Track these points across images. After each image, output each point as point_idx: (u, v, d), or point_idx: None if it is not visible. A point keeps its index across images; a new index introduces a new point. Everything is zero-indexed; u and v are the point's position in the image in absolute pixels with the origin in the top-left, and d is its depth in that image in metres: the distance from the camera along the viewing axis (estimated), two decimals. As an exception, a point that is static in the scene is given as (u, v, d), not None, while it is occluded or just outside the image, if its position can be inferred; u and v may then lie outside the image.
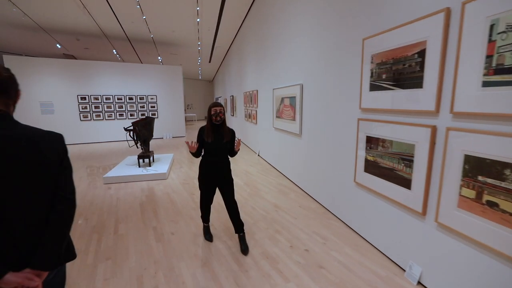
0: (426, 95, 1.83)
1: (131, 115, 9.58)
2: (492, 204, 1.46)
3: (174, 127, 10.24)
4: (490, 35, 1.42)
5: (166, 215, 3.24)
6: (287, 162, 4.71)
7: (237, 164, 5.92)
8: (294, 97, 4.21)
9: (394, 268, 2.18)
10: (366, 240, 2.58)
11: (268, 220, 3.09)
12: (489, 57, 1.43)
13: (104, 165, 5.91)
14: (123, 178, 4.62)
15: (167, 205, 3.56)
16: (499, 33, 1.38)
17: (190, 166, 5.80)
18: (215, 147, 2.38)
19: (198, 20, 7.39)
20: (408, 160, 2.02)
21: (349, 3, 2.63)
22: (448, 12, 1.64)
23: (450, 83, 1.67)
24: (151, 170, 4.93)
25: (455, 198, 1.66)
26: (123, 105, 9.45)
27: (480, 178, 1.51)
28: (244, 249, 2.41)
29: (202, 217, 2.73)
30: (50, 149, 0.98)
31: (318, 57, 3.37)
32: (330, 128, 3.17)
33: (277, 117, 5.17)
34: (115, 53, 10.43)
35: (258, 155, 6.89)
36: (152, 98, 9.76)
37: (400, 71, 2.04)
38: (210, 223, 2.92)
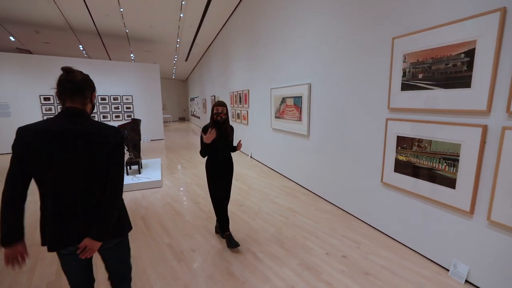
0: (476, 95, 1.83)
1: (104, 117, 8.71)
2: (559, 202, 1.49)
3: (152, 129, 9.56)
4: (558, 35, 1.44)
5: (176, 229, 2.91)
6: (290, 163, 4.60)
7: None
8: (300, 97, 4.12)
9: (436, 267, 2.18)
10: (397, 241, 2.57)
11: (290, 226, 2.94)
12: (556, 57, 1.45)
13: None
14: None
15: (173, 217, 3.22)
16: None
17: (183, 172, 5.40)
18: (221, 145, 2.42)
19: (181, 15, 6.95)
20: (451, 159, 2.02)
21: (374, 2, 2.59)
22: (504, 11, 1.65)
23: (505, 83, 1.68)
24: (143, 178, 4.47)
25: (511, 197, 1.68)
26: (95, 107, 8.54)
27: (544, 176, 1.53)
28: (234, 244, 2.44)
29: (219, 225, 2.56)
30: (105, 141, 1.17)
31: (330, 56, 3.31)
32: (348, 129, 3.13)
33: (276, 117, 5.04)
34: (81, 48, 9.43)
35: (251, 156, 6.70)
36: (127, 99, 8.98)
37: (441, 70, 2.03)
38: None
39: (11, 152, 1.07)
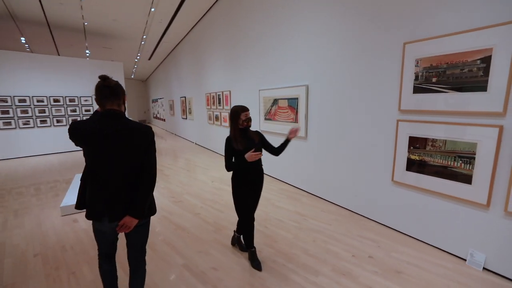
0: (492, 98, 2.01)
1: (58, 121, 7.55)
2: None
3: (116, 134, 8.63)
4: None
5: (186, 246, 2.63)
6: (284, 166, 4.56)
7: (218, 171, 5.42)
8: (296, 98, 4.10)
9: (453, 258, 2.34)
10: (411, 236, 2.70)
11: (305, 231, 2.88)
12: None
13: (47, 190, 4.43)
14: (88, 204, 3.53)
15: (177, 233, 2.90)
16: None
17: (167, 180, 4.96)
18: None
19: (152, 9, 6.40)
20: (467, 157, 2.19)
21: (385, 8, 2.69)
22: (519, 23, 1.84)
23: (521, 87, 1.87)
24: (125, 190, 3.95)
25: (529, 189, 1.88)
26: (46, 109, 7.35)
27: (560, 170, 1.74)
28: (257, 265, 2.24)
29: (245, 240, 2.33)
30: (141, 137, 1.42)
31: (334, 59, 3.36)
32: (353, 130, 3.20)
33: (266, 119, 4.96)
34: (23, 41, 8.04)
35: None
36: (86, 100, 7.94)
37: (457, 75, 2.19)
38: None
39: None
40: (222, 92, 6.66)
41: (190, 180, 4.94)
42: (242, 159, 2.07)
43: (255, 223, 2.46)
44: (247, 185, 2.23)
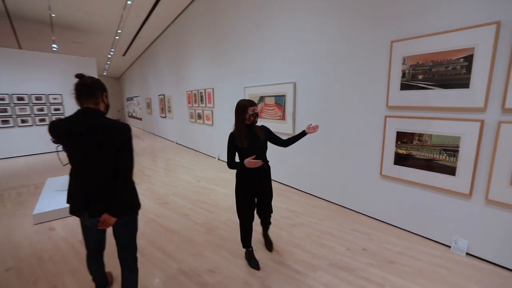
0: (474, 94, 2.14)
1: (23, 121, 6.89)
2: (546, 179, 1.87)
3: (90, 134, 8.09)
4: (545, 46, 1.79)
5: (178, 250, 2.51)
6: (273, 164, 4.53)
7: (203, 171, 5.28)
8: (283, 95, 4.11)
9: (439, 246, 2.48)
10: (400, 228, 2.82)
11: (299, 227, 2.90)
12: (543, 63, 1.81)
13: (15, 196, 4.01)
14: (64, 211, 3.27)
15: (167, 236, 2.77)
16: (554, 45, 1.76)
17: (149, 181, 4.73)
18: (254, 150, 2.05)
19: (129, 2, 6.07)
20: (452, 150, 2.32)
21: (372, 6, 2.76)
22: (499, 24, 1.97)
23: (500, 84, 2.01)
24: (106, 194, 3.71)
25: (507, 178, 2.03)
26: (8, 108, 6.67)
27: (535, 160, 1.90)
28: (255, 264, 2.22)
29: (242, 240, 2.28)
30: (117, 135, 1.40)
31: (322, 56, 3.39)
32: (341, 127, 3.27)
33: (252, 117, 4.91)
34: (-23, 33, 7.24)
35: (218, 159, 6.38)
36: (55, 98, 7.33)
37: (441, 73, 2.30)
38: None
39: None
40: (205, 90, 6.50)
41: (174, 180, 4.76)
42: (241, 163, 1.99)
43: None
44: (247, 185, 2.12)
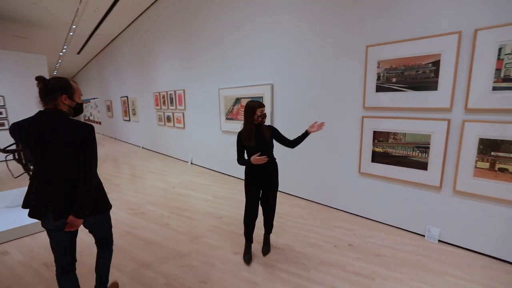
0: (441, 96, 2.37)
1: (-48, 127, 5.82)
2: (502, 170, 2.14)
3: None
4: (499, 55, 2.05)
5: (163, 262, 2.34)
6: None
7: (177, 176, 5.03)
8: (261, 97, 4.11)
9: (415, 236, 2.68)
10: (379, 222, 2.99)
11: (285, 228, 2.91)
12: (498, 70, 2.07)
13: None
14: (19, 230, 2.84)
15: (148, 249, 2.56)
16: (506, 54, 2.03)
17: (119, 191, 4.34)
18: (260, 148, 2.17)
19: (86, -5, 5.54)
20: (423, 147, 2.54)
21: (348, 12, 2.90)
22: (460, 34, 2.21)
23: (462, 87, 2.26)
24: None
25: (471, 170, 2.29)
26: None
27: (493, 153, 2.17)
28: (266, 249, 2.43)
29: (245, 233, 2.37)
30: (77, 135, 1.39)
31: (299, 59, 3.46)
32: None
33: (228, 119, 4.83)
34: None
35: (192, 163, 6.14)
36: (-6, 100, 6.35)
37: (413, 76, 2.51)
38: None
39: None
40: (175, 92, 6.22)
41: (146, 188, 4.45)
42: (248, 161, 2.14)
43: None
44: (254, 180, 2.24)
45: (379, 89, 2.76)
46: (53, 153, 1.37)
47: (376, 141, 2.87)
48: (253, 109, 2.12)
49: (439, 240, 2.56)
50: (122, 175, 5.33)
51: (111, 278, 2.02)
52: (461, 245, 2.45)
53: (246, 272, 2.17)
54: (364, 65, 2.83)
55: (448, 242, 2.52)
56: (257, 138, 2.17)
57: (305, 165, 3.66)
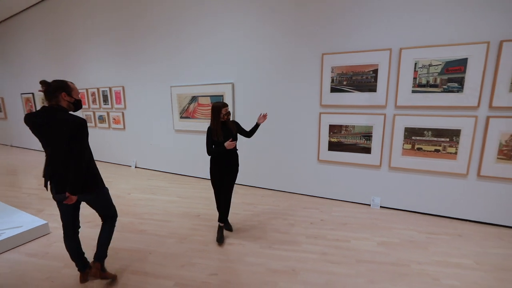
0: (379, 96, 3.12)
1: None
2: (420, 149, 3.04)
3: None
4: (415, 67, 2.90)
5: (161, 267, 2.25)
6: (207, 163, 4.54)
7: (126, 182, 4.57)
8: (221, 96, 4.22)
9: (364, 206, 3.43)
10: (336, 199, 3.63)
11: (263, 215, 3.18)
12: (414, 78, 2.92)
13: None
14: None
15: (138, 257, 2.38)
16: (419, 67, 2.88)
17: (51, 203, 3.63)
18: (226, 140, 2.50)
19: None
20: (367, 136, 3.27)
21: (306, 22, 3.37)
22: (391, 51, 2.98)
23: (393, 90, 3.05)
24: (6, 231, 2.64)
25: (400, 151, 3.13)
26: None
27: (413, 137, 3.04)
28: (220, 239, 2.62)
29: (219, 214, 2.71)
30: (69, 126, 1.67)
31: (260, 60, 3.76)
32: (281, 123, 3.78)
33: (183, 117, 4.70)
34: None
35: (136, 167, 5.62)
36: None
37: (359, 80, 3.19)
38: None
39: None
40: (110, 88, 5.53)
41: (94, 198, 3.88)
42: (222, 147, 2.48)
43: (213, 222, 2.49)
44: (217, 170, 2.62)
45: (333, 90, 3.36)
46: (52, 141, 1.70)
47: (331, 132, 3.48)
48: (218, 109, 2.49)
49: (381, 206, 3.37)
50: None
51: (113, 292, 1.85)
52: (396, 207, 3.31)
53: (250, 257, 2.35)
54: (321, 70, 3.38)
55: (387, 206, 3.35)
56: (224, 133, 2.52)
57: (268, 158, 4.01)
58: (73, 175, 1.70)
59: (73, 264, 2.06)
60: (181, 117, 4.74)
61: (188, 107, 4.62)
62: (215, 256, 2.39)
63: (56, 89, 1.69)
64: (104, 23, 5.27)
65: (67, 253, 2.00)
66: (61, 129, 1.66)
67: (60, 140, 1.67)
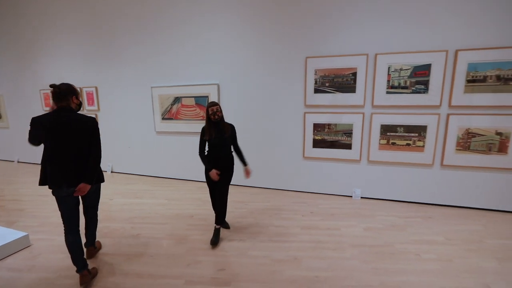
0: (358, 97, 3.44)
1: None
2: (393, 144, 3.42)
3: None
4: (388, 71, 3.26)
5: (165, 268, 2.24)
6: (191, 164, 4.51)
7: (105, 188, 4.33)
8: (206, 96, 4.24)
9: (345, 198, 3.73)
10: (320, 193, 3.89)
11: (257, 212, 3.30)
12: (388, 81, 3.29)
13: None
14: None
15: (139, 260, 2.33)
16: (392, 71, 3.25)
17: (26, 214, 3.33)
18: (217, 143, 2.56)
19: None
20: (348, 133, 3.58)
21: (289, 27, 3.57)
22: (367, 56, 3.31)
23: (370, 91, 3.39)
24: (-24, 247, 2.38)
25: (377, 146, 3.49)
26: None
27: (388, 133, 3.41)
28: (215, 241, 2.55)
29: (216, 216, 2.68)
30: (82, 125, 1.90)
31: (246, 62, 3.88)
32: (267, 123, 3.94)
33: (165, 118, 4.61)
34: None
35: (112, 171, 5.34)
36: None
37: (340, 82, 3.48)
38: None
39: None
40: (81, 89, 5.17)
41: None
42: (212, 150, 2.57)
43: (210, 221, 2.56)
44: (217, 168, 2.55)
45: (316, 91, 3.61)
46: (67, 139, 1.85)
47: (315, 131, 3.73)
48: (207, 108, 2.51)
49: (361, 197, 3.70)
50: (23, 197, 4.00)
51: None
52: (375, 197, 3.66)
53: (252, 251, 2.45)
54: (304, 72, 3.61)
55: (367, 197, 3.69)
56: (217, 133, 2.52)
57: (256, 158, 4.12)
58: (92, 167, 1.94)
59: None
60: (163, 119, 4.64)
61: (171, 108, 4.54)
62: (219, 253, 2.45)
63: (68, 92, 1.88)
64: (77, 20, 4.93)
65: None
66: (81, 127, 1.88)
67: (80, 136, 1.88)
